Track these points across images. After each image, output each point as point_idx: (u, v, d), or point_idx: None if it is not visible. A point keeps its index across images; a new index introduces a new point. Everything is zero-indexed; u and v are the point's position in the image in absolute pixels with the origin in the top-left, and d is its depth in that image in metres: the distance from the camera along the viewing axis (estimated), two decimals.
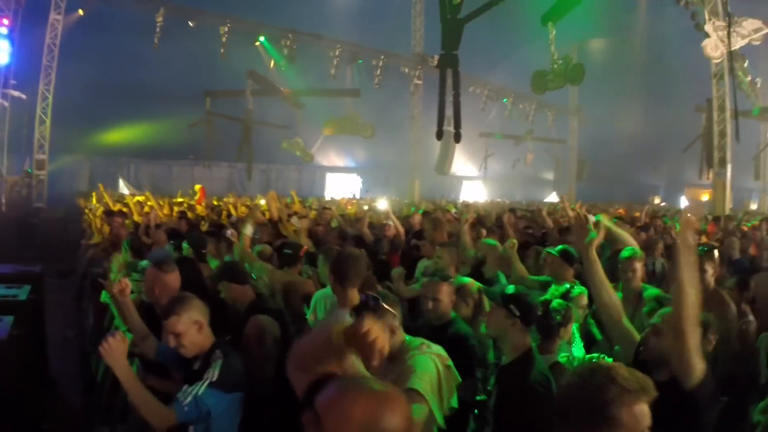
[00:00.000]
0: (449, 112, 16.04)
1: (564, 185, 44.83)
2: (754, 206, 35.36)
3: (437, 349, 3.84)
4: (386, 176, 38.51)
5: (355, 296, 4.39)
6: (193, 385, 3.61)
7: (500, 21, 32.04)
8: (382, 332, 2.47)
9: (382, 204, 10.51)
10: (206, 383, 3.60)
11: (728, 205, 23.41)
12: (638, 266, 5.69)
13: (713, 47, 22.05)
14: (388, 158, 37.41)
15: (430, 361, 3.68)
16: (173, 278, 4.82)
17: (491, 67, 35.59)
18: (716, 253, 6.15)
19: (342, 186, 37.22)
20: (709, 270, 5.50)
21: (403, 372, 3.60)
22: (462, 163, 39.89)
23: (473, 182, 43.47)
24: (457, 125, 15.80)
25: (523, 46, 29.72)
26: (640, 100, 38.07)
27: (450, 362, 3.86)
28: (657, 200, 42.19)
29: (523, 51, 29.63)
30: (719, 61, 22.58)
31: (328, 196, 32.02)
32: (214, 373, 3.63)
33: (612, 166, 41.73)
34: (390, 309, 3.60)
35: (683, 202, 41.23)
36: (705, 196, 31.69)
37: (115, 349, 3.46)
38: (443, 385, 3.70)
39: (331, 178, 38.04)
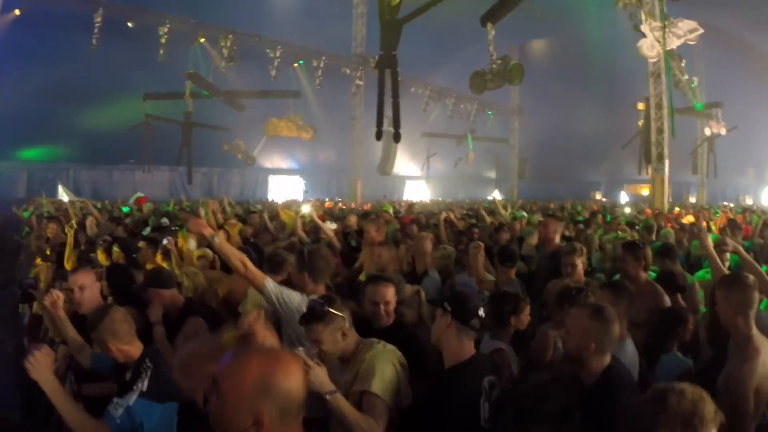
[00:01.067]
0: (390, 112, 16.43)
1: (506, 184, 45.80)
2: (692, 199, 36.78)
3: (392, 348, 3.88)
4: (329, 177, 38.75)
5: (322, 291, 4.58)
6: (124, 396, 3.52)
7: (442, 22, 32.71)
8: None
9: (305, 208, 10.64)
10: (137, 394, 3.54)
11: (667, 199, 24.18)
12: (578, 261, 6.01)
13: (649, 47, 22.71)
14: (331, 159, 37.65)
15: (388, 360, 3.73)
16: (94, 289, 4.96)
17: (433, 68, 36.20)
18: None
19: (285, 188, 37.21)
20: (642, 263, 5.78)
21: (361, 372, 3.66)
22: (405, 163, 40.38)
23: (416, 182, 43.97)
24: (397, 125, 16.13)
25: (465, 48, 30.29)
26: (581, 99, 39.19)
27: (404, 360, 3.89)
28: (598, 196, 43.50)
29: (465, 52, 30.18)
30: (655, 60, 23.33)
31: (270, 199, 32.07)
32: (144, 383, 3.60)
33: (554, 164, 42.84)
34: (338, 313, 3.67)
35: (623, 198, 42.55)
36: (645, 191, 32.69)
37: (41, 362, 3.32)
38: (401, 383, 3.74)
39: (273, 181, 37.98)
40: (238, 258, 4.45)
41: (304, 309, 3.96)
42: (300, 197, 34.23)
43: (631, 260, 5.80)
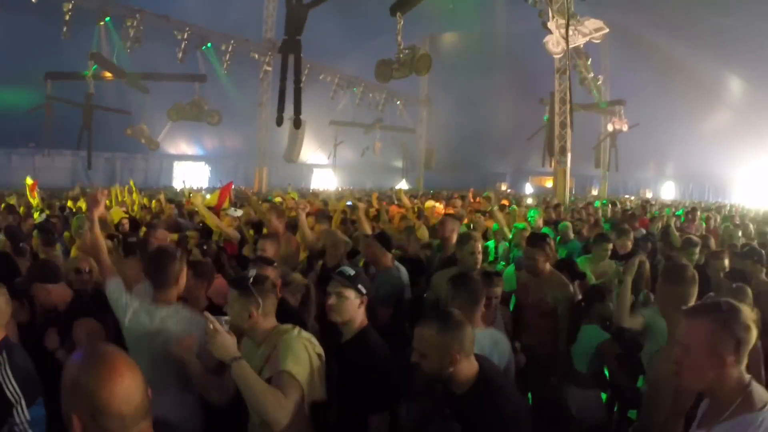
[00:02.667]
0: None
1: (413, 173, 46.45)
2: (595, 192, 38.39)
3: (308, 335, 3.95)
4: (235, 164, 38.26)
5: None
6: None
7: (354, 11, 32.81)
8: None
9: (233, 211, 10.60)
10: None
11: (569, 190, 25.11)
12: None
13: (555, 43, 23.52)
14: (237, 146, 37.23)
15: (303, 347, 3.77)
16: None
17: (343, 56, 36.22)
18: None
19: (190, 175, 36.47)
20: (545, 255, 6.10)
21: (275, 354, 3.69)
22: (312, 151, 40.33)
23: (323, 170, 43.99)
24: (298, 111, 16.17)
25: (376, 37, 30.46)
26: (490, 92, 40.05)
27: (320, 350, 3.94)
28: (504, 187, 44.77)
29: (376, 41, 30.35)
30: (561, 56, 24.15)
31: (176, 186, 31.44)
32: None
33: (460, 155, 43.72)
34: (254, 292, 3.74)
35: (528, 189, 43.98)
36: (549, 183, 33.87)
37: None
38: (315, 372, 3.78)
39: (178, 167, 37.18)
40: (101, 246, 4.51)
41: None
42: (205, 184, 33.81)
43: (535, 252, 6.03)
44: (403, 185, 44.79)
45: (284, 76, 16.04)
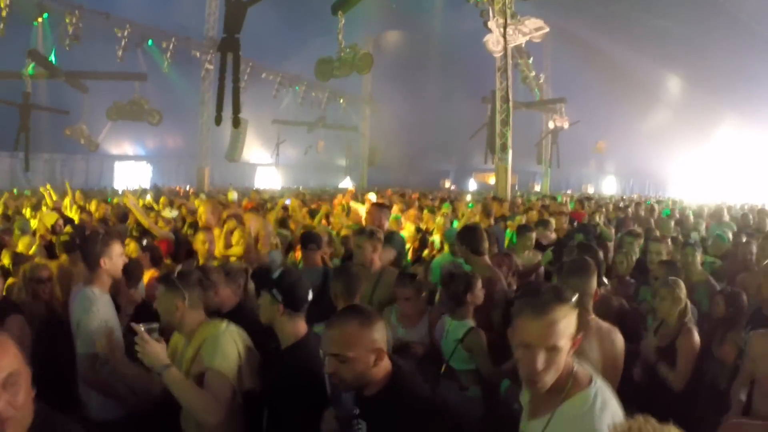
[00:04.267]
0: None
1: (357, 171, 46.63)
2: (537, 188, 39.17)
3: (237, 328, 3.98)
4: (177, 164, 37.89)
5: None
6: None
7: (296, 11, 32.83)
8: None
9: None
10: None
11: (510, 187, 25.48)
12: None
13: (495, 42, 23.75)
14: (179, 145, 36.88)
15: (230, 339, 3.83)
16: None
17: (286, 55, 36.20)
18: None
19: (131, 176, 35.89)
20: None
21: (203, 350, 3.75)
22: (255, 150, 40.17)
23: (267, 169, 43.81)
24: (236, 110, 16.28)
25: (318, 36, 30.59)
26: (433, 90, 40.57)
27: (250, 343, 4.02)
28: (447, 184, 45.37)
29: (319, 40, 30.48)
30: (501, 55, 24.53)
31: (117, 187, 30.96)
32: None
33: (405, 153, 44.16)
34: (180, 287, 3.86)
35: (472, 185, 44.63)
36: (492, 179, 34.42)
37: None
38: (244, 363, 3.83)
39: (120, 167, 36.51)
40: None
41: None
42: (147, 185, 33.35)
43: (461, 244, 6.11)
44: (347, 183, 45.01)
45: (223, 75, 16.15)
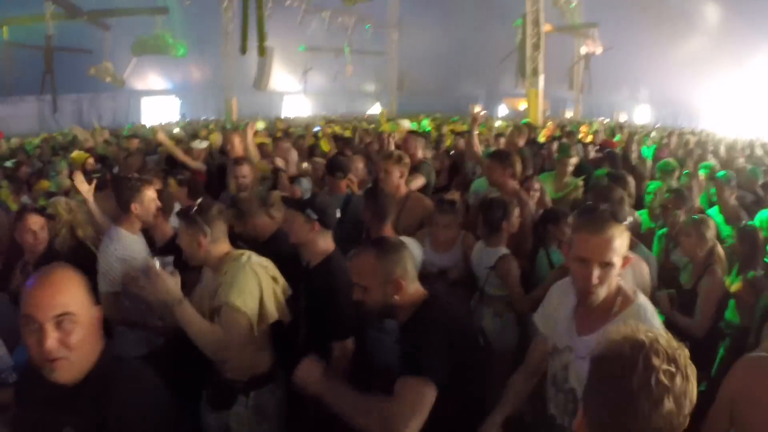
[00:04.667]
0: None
1: (386, 97, 46.11)
2: (569, 114, 38.44)
3: (260, 260, 3.97)
4: (205, 96, 37.74)
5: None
6: None
7: None
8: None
9: None
10: None
11: (542, 112, 25.09)
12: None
13: None
14: (207, 77, 36.63)
15: (250, 273, 3.79)
16: None
17: None
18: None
19: (159, 110, 35.86)
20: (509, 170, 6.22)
21: (223, 284, 3.74)
22: (283, 78, 39.78)
23: (295, 97, 43.50)
24: (261, 38, 16.09)
25: None
26: (462, 13, 39.53)
27: (276, 273, 4.04)
28: (477, 108, 44.67)
29: None
30: None
31: (145, 122, 30.98)
32: None
33: (433, 78, 43.39)
34: (200, 222, 3.81)
35: (502, 110, 43.98)
36: (522, 105, 33.79)
37: None
38: (265, 296, 3.82)
39: (146, 102, 36.42)
40: None
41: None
42: (176, 119, 33.37)
43: (498, 168, 6.08)
44: (376, 109, 44.65)
45: (246, 3, 15.86)
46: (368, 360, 4.36)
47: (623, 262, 2.80)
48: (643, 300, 2.84)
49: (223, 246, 3.96)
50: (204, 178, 8.64)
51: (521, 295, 4.98)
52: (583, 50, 33.69)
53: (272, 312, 3.89)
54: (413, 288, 3.22)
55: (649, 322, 2.67)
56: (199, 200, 4.08)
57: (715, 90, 34.11)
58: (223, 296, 3.68)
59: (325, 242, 4.18)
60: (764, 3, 29.11)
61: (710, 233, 5.06)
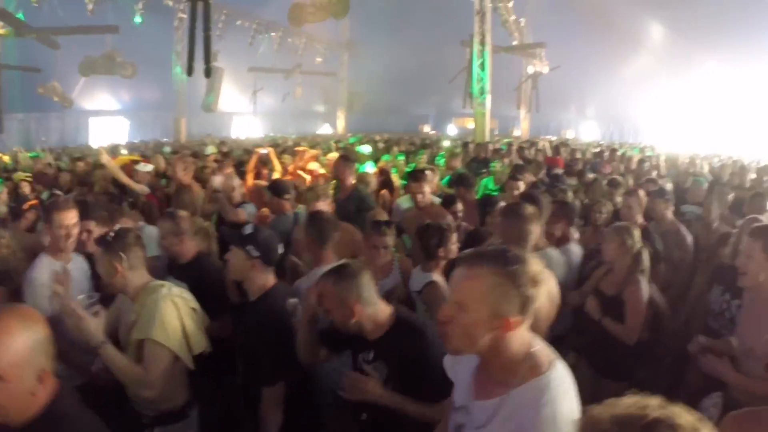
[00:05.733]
0: (213, 46, 16.23)
1: (335, 118, 46.37)
2: (517, 132, 39.14)
3: (180, 291, 3.97)
4: (154, 117, 37.39)
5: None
6: None
7: None
8: None
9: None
10: None
11: (488, 131, 25.39)
12: None
13: None
14: (155, 98, 36.29)
15: (170, 305, 3.77)
16: None
17: (261, 1, 35.44)
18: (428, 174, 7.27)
19: (107, 131, 35.31)
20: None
21: (142, 318, 3.69)
22: (233, 99, 39.62)
23: (244, 118, 43.36)
24: (208, 59, 16.04)
25: None
26: (413, 34, 39.96)
27: (195, 305, 4.05)
28: (427, 129, 45.25)
29: None
30: None
31: (93, 143, 30.51)
32: None
33: (383, 98, 43.74)
34: (116, 249, 3.76)
35: (451, 130, 44.53)
36: (470, 124, 34.27)
37: None
38: (187, 328, 3.81)
39: (95, 123, 35.86)
40: None
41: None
42: (124, 140, 32.92)
43: (413, 184, 6.80)
44: (326, 129, 44.83)
45: (193, 23, 15.80)
46: (325, 393, 4.21)
47: (503, 322, 2.22)
48: (559, 374, 2.27)
49: (142, 275, 3.93)
50: (155, 200, 8.56)
51: None
52: (531, 69, 34.30)
53: (195, 344, 3.88)
54: (372, 310, 3.38)
55: (553, 401, 2.17)
56: (117, 227, 4.10)
57: (658, 105, 35.20)
58: (144, 331, 3.65)
59: (265, 278, 4.02)
60: (703, 21, 30.22)
61: (632, 241, 5.08)
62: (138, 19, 28.81)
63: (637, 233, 5.18)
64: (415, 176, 6.93)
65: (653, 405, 1.52)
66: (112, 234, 3.88)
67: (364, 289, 3.35)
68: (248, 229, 4.04)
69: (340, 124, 45.87)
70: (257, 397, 3.81)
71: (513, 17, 30.47)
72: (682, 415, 1.52)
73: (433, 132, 43.05)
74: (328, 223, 4.90)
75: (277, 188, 6.93)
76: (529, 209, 4.35)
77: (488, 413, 2.28)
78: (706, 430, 1.50)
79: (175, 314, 3.77)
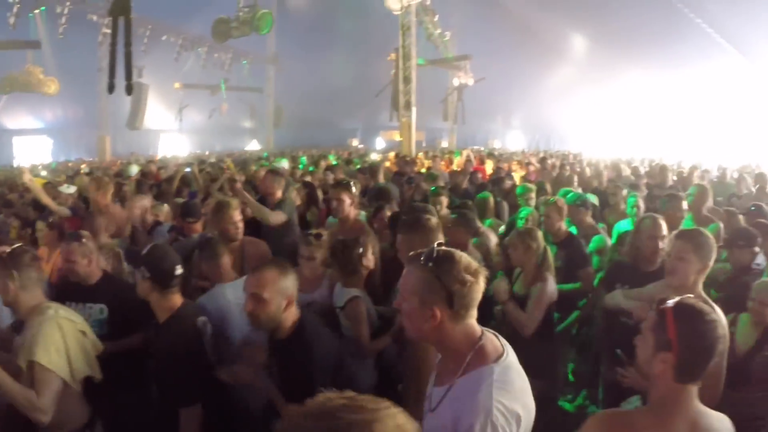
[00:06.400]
0: (138, 62, 15.89)
1: (262, 133, 46.13)
2: (444, 143, 39.74)
3: (68, 314, 3.92)
4: (78, 135, 36.53)
5: None
6: None
7: None
8: None
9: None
10: None
11: (414, 143, 25.69)
12: None
13: (394, 0, 23.94)
14: (79, 115, 35.50)
15: (54, 327, 3.71)
16: None
17: (187, 16, 35.04)
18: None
19: (31, 150, 34.31)
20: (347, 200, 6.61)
21: (27, 340, 3.65)
22: (159, 116, 39.04)
23: (171, 135, 42.77)
24: (128, 76, 15.79)
25: None
26: (340, 48, 40.28)
27: (85, 328, 4.01)
28: (355, 142, 45.48)
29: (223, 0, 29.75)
30: (400, 12, 24.50)
31: (16, 163, 29.64)
32: None
33: (311, 113, 43.88)
34: (9, 267, 3.75)
35: (379, 143, 44.87)
36: (398, 137, 34.78)
37: None
38: (71, 351, 3.75)
39: (18, 142, 34.78)
40: None
41: None
42: (48, 159, 32.10)
43: (333, 191, 6.78)
44: (254, 146, 44.54)
45: (114, 39, 15.52)
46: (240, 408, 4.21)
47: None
48: (503, 368, 2.43)
49: (35, 296, 3.87)
50: (77, 223, 8.13)
51: (366, 341, 4.75)
52: (456, 82, 34.95)
53: (80, 368, 3.83)
54: (294, 310, 3.58)
55: (489, 391, 2.33)
56: (15, 245, 4.03)
57: (582, 113, 36.36)
58: (28, 353, 3.60)
59: (167, 300, 3.95)
60: (624, 32, 31.39)
61: (536, 244, 5.35)
62: (60, 33, 28.10)
63: (540, 235, 5.48)
64: (336, 185, 6.98)
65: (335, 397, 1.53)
66: (6, 252, 3.84)
67: (295, 288, 3.57)
68: (145, 250, 4.01)
69: (268, 139, 45.65)
70: (175, 415, 3.77)
71: (438, 31, 31.00)
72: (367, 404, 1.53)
73: (362, 146, 43.36)
74: (219, 245, 5.00)
75: (184, 210, 6.97)
76: (432, 221, 4.33)
77: (439, 398, 2.49)
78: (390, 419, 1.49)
79: (59, 336, 3.72)
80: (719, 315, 2.67)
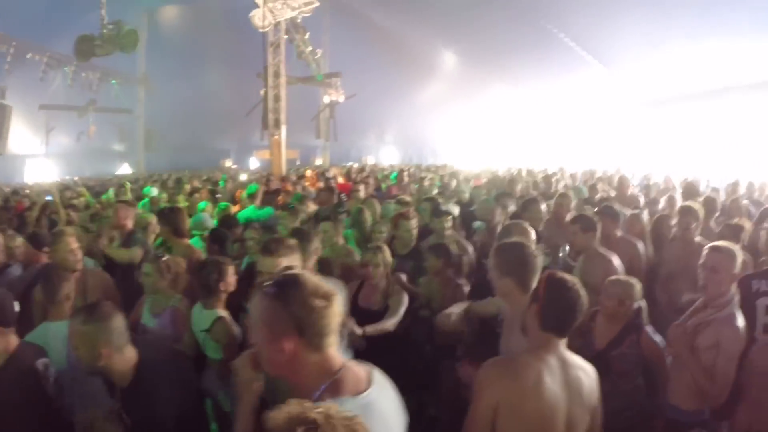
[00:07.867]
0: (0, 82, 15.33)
1: (134, 156, 45.15)
2: (319, 161, 40.14)
3: None
4: None
5: None
6: None
7: None
8: None
9: None
10: None
11: (285, 162, 26.04)
12: None
13: (260, 17, 24.10)
14: None
15: None
16: None
17: (54, 33, 34.12)
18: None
19: None
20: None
21: None
22: (24, 140, 37.56)
23: (38, 160, 41.19)
24: None
25: (90, 11, 29.32)
26: (210, 67, 40.13)
27: None
28: (228, 163, 45.26)
29: (90, 17, 29.28)
30: (272, 30, 24.88)
31: None
32: None
33: (183, 134, 43.33)
34: None
35: (253, 163, 44.81)
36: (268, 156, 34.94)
37: None
38: None
39: None
40: None
41: None
42: None
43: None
44: (125, 169, 43.50)
45: None
46: None
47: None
48: (358, 406, 2.15)
49: None
50: None
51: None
52: (327, 99, 35.41)
53: None
54: (119, 356, 3.32)
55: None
56: None
57: (453, 126, 37.71)
58: None
59: (4, 342, 3.71)
60: (490, 50, 32.85)
61: (381, 258, 5.69)
62: None
63: (387, 252, 5.86)
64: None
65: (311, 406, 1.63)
66: None
67: (114, 335, 3.28)
68: None
69: (139, 162, 44.76)
70: None
71: (309, 48, 31.42)
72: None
73: (235, 166, 43.24)
74: (58, 278, 4.70)
75: (34, 240, 6.65)
76: (291, 241, 4.39)
77: None
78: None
79: None
80: (581, 287, 3.14)
